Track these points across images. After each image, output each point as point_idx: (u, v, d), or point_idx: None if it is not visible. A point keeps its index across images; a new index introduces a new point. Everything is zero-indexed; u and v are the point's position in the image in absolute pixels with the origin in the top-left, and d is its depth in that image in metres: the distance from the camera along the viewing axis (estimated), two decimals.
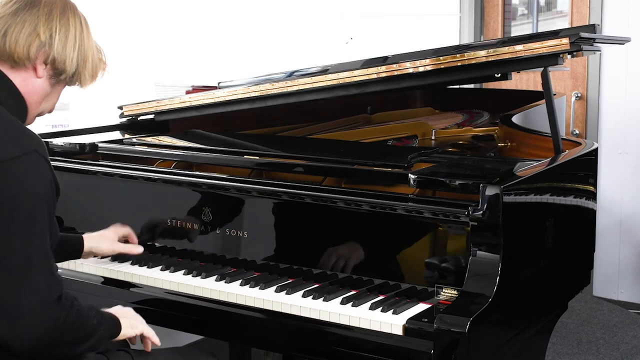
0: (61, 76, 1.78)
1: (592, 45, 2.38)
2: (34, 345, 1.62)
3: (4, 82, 1.72)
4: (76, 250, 2.20)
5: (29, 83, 1.75)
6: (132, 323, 1.90)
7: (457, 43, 4.76)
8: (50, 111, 1.87)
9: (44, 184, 1.65)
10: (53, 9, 1.74)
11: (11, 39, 1.70)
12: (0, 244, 1.59)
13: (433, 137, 2.96)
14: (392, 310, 1.87)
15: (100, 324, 1.78)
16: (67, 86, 1.84)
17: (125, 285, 2.25)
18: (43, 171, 1.66)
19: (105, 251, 2.25)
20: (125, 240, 2.31)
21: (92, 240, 2.22)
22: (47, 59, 1.74)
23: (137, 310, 2.23)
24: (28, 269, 1.60)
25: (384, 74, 2.43)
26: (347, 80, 2.48)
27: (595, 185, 2.48)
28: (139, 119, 2.96)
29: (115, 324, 1.84)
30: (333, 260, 2.09)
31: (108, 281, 2.28)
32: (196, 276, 2.17)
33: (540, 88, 2.38)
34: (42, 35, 1.72)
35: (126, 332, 1.87)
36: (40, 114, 1.84)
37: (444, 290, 1.90)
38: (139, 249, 2.28)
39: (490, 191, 1.83)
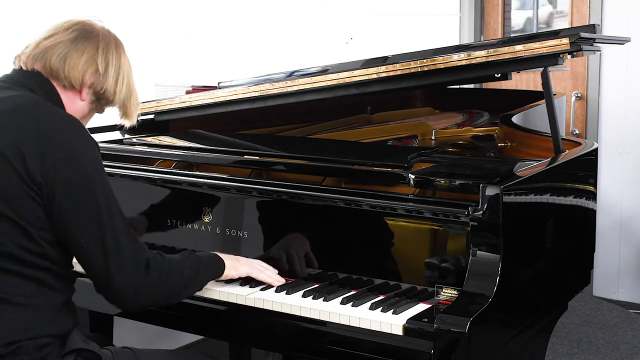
0: (105, 105, 1.97)
1: (592, 45, 2.38)
2: (134, 307, 1.85)
3: (55, 98, 1.87)
4: None
5: (73, 102, 1.91)
6: (234, 264, 2.04)
7: (457, 43, 4.75)
8: None
9: (104, 171, 1.84)
10: (109, 44, 1.92)
11: (70, 63, 1.86)
12: (89, 223, 1.75)
13: (433, 137, 2.96)
14: (392, 310, 1.87)
15: (197, 271, 1.95)
16: (98, 113, 2.02)
17: None
18: (101, 159, 1.84)
19: None
20: None
21: None
22: (96, 86, 1.90)
23: None
24: (118, 247, 1.77)
25: (384, 74, 2.43)
26: (347, 80, 2.48)
27: (595, 185, 2.48)
28: (139, 119, 2.96)
29: (217, 264, 2.01)
30: (333, 260, 2.09)
31: None
32: None
33: (540, 88, 2.38)
34: (100, 66, 1.89)
35: (228, 272, 2.03)
36: None
37: (444, 290, 1.90)
38: None
39: (490, 191, 1.83)
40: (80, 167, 1.75)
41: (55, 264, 1.78)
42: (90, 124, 2.94)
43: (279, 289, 2.04)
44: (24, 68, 1.88)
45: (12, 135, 1.73)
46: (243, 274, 2.05)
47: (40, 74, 1.86)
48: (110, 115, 3.02)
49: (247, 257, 2.20)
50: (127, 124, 2.04)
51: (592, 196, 2.46)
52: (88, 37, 1.88)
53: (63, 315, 1.81)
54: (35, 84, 1.85)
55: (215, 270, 2.01)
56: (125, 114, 2.00)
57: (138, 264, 1.80)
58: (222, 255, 2.05)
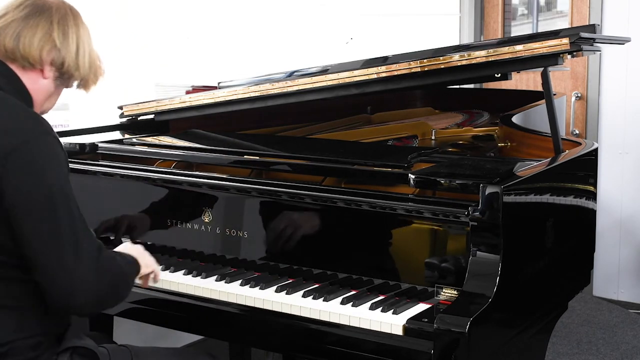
0: (69, 79, 1.87)
1: (592, 45, 2.38)
2: (93, 303, 1.71)
3: (16, 82, 1.80)
4: None
5: (36, 82, 1.82)
6: (146, 262, 1.94)
7: (457, 43, 4.75)
8: (47, 111, 1.93)
9: (63, 163, 1.72)
10: (65, 16, 1.83)
11: (25, 41, 1.78)
12: (47, 223, 1.66)
13: (433, 137, 2.96)
14: (392, 310, 1.88)
15: (131, 267, 1.86)
16: (66, 88, 1.91)
17: None
18: (58, 151, 1.72)
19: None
20: None
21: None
22: (57, 61, 1.82)
23: (137, 310, 2.24)
24: (76, 242, 1.67)
25: (384, 74, 2.43)
26: (347, 80, 2.48)
27: (595, 185, 2.48)
28: (139, 119, 2.96)
29: (137, 267, 1.89)
30: (333, 260, 2.09)
31: None
32: (196, 276, 2.17)
33: (540, 88, 2.38)
34: (57, 40, 1.80)
35: (143, 271, 1.92)
36: (41, 113, 1.89)
37: (444, 290, 1.90)
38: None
39: (490, 191, 1.83)
40: (33, 160, 1.66)
41: None
42: (90, 123, 2.97)
43: (279, 289, 2.04)
44: None
45: None
46: (152, 271, 1.96)
47: None
48: (110, 115, 3.03)
49: (247, 257, 2.21)
50: (84, 92, 1.94)
51: (592, 196, 2.45)
52: (40, 11, 1.79)
53: (54, 314, 1.78)
54: None
55: (135, 272, 1.88)
56: (85, 84, 1.90)
57: (96, 251, 1.71)
58: (133, 252, 1.92)
